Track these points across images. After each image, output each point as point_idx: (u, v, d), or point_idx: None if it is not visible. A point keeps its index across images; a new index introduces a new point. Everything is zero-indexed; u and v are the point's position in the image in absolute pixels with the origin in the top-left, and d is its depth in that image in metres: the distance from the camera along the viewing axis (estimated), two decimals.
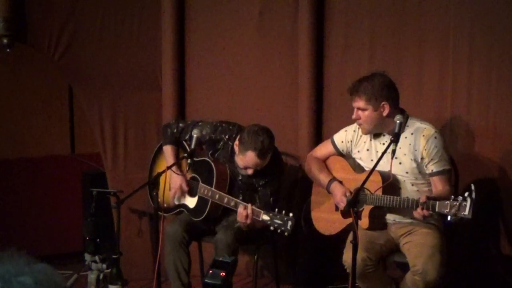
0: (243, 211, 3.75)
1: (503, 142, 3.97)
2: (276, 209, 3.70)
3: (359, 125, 3.71)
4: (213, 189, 3.96)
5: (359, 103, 3.61)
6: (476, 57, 4.03)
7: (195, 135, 3.94)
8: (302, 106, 4.57)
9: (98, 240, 3.88)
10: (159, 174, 3.83)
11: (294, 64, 4.58)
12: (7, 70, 5.38)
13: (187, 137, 4.18)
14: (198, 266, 4.46)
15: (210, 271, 2.75)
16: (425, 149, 3.57)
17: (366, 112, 3.61)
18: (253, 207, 3.75)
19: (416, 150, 3.59)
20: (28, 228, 5.26)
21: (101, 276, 3.83)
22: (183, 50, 4.83)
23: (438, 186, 3.60)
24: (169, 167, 3.84)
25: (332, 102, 4.58)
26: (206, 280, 2.74)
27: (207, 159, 4.08)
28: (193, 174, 4.12)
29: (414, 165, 3.60)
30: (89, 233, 3.94)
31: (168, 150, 4.23)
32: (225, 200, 3.89)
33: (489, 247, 4.07)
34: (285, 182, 4.48)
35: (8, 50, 4.60)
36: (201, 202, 4.04)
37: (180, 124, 4.24)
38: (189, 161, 3.81)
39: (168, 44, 4.78)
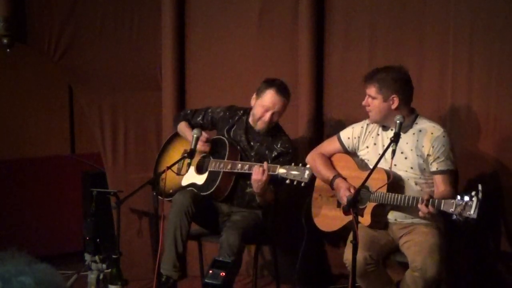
0: (259, 168, 3.77)
1: (503, 140, 3.97)
2: (293, 164, 3.74)
3: (368, 112, 3.71)
4: (225, 160, 3.97)
5: (371, 90, 3.65)
6: (476, 55, 4.03)
7: (195, 135, 3.94)
8: (302, 106, 4.57)
9: (98, 240, 3.88)
10: (159, 174, 3.84)
11: (294, 64, 4.58)
12: (7, 70, 5.38)
13: (199, 118, 4.23)
14: (198, 266, 4.45)
15: (210, 271, 2.75)
16: (432, 146, 3.58)
17: (376, 101, 3.64)
18: (269, 163, 3.79)
19: (423, 146, 3.60)
20: (28, 228, 5.26)
21: (101, 276, 3.83)
22: (183, 50, 4.84)
23: (441, 186, 3.59)
24: (169, 167, 3.83)
25: (332, 102, 4.58)
26: (206, 280, 2.74)
27: (220, 136, 4.11)
28: (203, 154, 4.12)
29: (419, 161, 3.61)
30: (89, 233, 3.94)
31: (182, 126, 4.25)
32: (238, 166, 3.91)
33: (490, 245, 4.08)
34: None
35: (8, 50, 4.60)
36: (212, 176, 4.03)
37: (193, 109, 4.32)
38: (189, 160, 3.81)
39: (168, 44, 4.78)
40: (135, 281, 4.46)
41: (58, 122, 5.70)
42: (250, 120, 4.10)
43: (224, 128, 4.15)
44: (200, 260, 4.44)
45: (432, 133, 3.60)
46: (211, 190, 3.98)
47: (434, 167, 3.60)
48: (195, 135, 3.94)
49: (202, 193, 4.01)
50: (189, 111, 4.32)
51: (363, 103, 3.70)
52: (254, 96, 4.06)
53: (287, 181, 3.71)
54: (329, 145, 3.97)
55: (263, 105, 3.98)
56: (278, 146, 4.05)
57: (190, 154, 3.85)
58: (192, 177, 4.11)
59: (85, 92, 4.85)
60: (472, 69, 4.05)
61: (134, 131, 4.89)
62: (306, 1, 4.47)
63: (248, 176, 3.88)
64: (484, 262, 4.09)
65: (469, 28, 4.03)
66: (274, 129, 4.09)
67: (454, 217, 3.28)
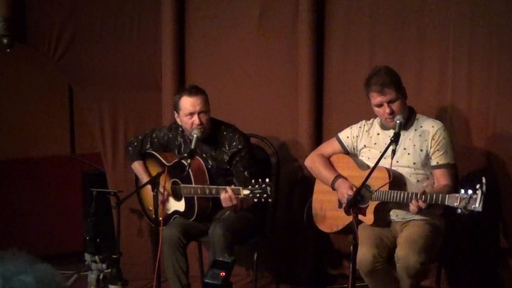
0: (225, 195, 3.76)
1: (503, 140, 3.98)
2: (253, 181, 3.70)
3: (392, 119, 3.61)
4: (193, 185, 3.96)
5: (391, 94, 3.60)
6: (476, 55, 4.03)
7: (195, 135, 3.93)
8: (302, 106, 4.57)
9: (98, 240, 3.88)
10: (159, 174, 3.83)
11: (294, 64, 4.58)
12: (7, 70, 5.38)
13: (148, 146, 4.22)
14: (198, 266, 4.45)
15: (210, 271, 2.75)
16: (433, 139, 3.61)
17: (397, 102, 3.61)
18: (232, 187, 3.77)
19: (426, 140, 3.62)
20: (28, 228, 5.26)
21: (101, 276, 3.83)
22: (183, 50, 4.83)
23: (441, 180, 3.61)
24: (169, 167, 3.83)
25: (332, 102, 4.58)
26: (206, 280, 2.74)
27: (180, 160, 4.01)
28: (173, 179, 4.09)
29: (421, 156, 3.62)
30: (89, 233, 3.94)
31: (136, 167, 4.23)
32: (207, 191, 3.89)
33: (490, 245, 4.07)
34: (285, 182, 4.49)
35: (8, 50, 4.60)
36: (189, 202, 4.04)
37: (139, 137, 4.29)
38: (189, 160, 3.81)
39: (168, 44, 4.78)
40: (135, 281, 4.46)
41: (58, 122, 5.69)
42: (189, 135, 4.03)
43: (175, 150, 4.12)
44: (200, 260, 4.44)
45: (432, 127, 3.64)
46: (195, 215, 4.01)
47: (434, 161, 3.62)
48: (195, 135, 3.93)
49: (188, 220, 4.04)
50: (135, 143, 4.26)
51: (386, 113, 3.60)
52: (175, 115, 4.03)
53: (255, 200, 3.69)
54: (329, 147, 3.97)
55: (186, 113, 3.94)
56: (227, 147, 4.01)
57: (190, 154, 3.85)
58: (174, 204, 4.12)
59: (85, 92, 4.85)
60: (472, 69, 4.05)
61: (134, 131, 4.89)
62: (306, 1, 4.47)
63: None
64: (484, 262, 4.09)
65: (469, 28, 4.03)
66: (215, 131, 4.04)
67: (459, 211, 3.28)
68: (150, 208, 3.96)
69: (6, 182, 5.30)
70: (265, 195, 3.67)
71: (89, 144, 5.48)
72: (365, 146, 3.79)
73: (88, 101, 4.85)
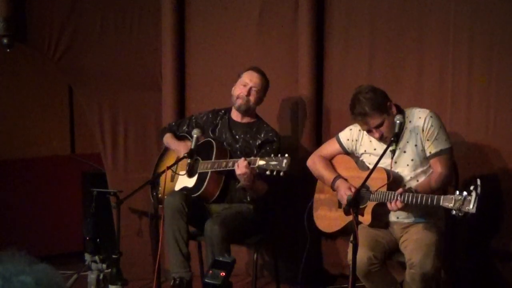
0: (241, 162, 3.82)
1: (503, 140, 3.98)
2: (272, 155, 3.78)
3: (384, 138, 3.61)
4: (213, 160, 4.01)
5: (376, 120, 3.54)
6: (476, 55, 4.03)
7: (195, 135, 3.94)
8: (302, 106, 4.57)
9: (98, 240, 3.88)
10: (159, 174, 3.84)
11: (294, 64, 4.58)
12: (7, 70, 5.38)
13: (184, 127, 4.31)
14: (198, 266, 4.45)
15: (210, 271, 2.75)
16: (423, 130, 3.58)
17: (385, 123, 3.57)
18: (250, 158, 3.85)
19: (417, 134, 3.60)
20: (28, 228, 5.26)
21: (101, 276, 3.82)
22: (183, 50, 4.84)
23: (435, 168, 3.60)
24: (169, 167, 3.83)
25: (332, 102, 4.58)
26: (206, 280, 2.74)
27: (207, 138, 4.17)
28: (196, 157, 4.14)
29: (417, 150, 3.60)
30: (89, 233, 3.93)
31: (168, 137, 4.34)
32: (223, 164, 3.96)
33: (490, 245, 4.07)
34: (285, 182, 4.49)
35: (8, 50, 4.60)
36: (201, 177, 4.06)
37: (177, 121, 4.45)
38: (189, 160, 3.81)
39: (168, 44, 4.78)
40: (135, 281, 4.45)
41: (58, 122, 5.69)
42: (232, 113, 4.24)
43: (209, 129, 4.24)
44: (200, 260, 4.44)
45: (420, 118, 3.61)
46: (201, 191, 4.02)
47: (427, 152, 3.60)
48: (195, 135, 3.94)
49: (192, 195, 4.03)
50: (173, 124, 4.44)
51: (375, 137, 3.61)
52: (234, 85, 4.22)
53: (267, 172, 3.74)
54: (329, 147, 3.97)
55: (241, 82, 4.16)
56: (262, 135, 4.15)
57: (190, 154, 3.85)
58: (184, 181, 4.14)
59: (85, 92, 4.85)
60: (472, 69, 4.05)
61: (134, 131, 4.89)
62: (306, 1, 4.47)
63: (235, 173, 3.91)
64: (484, 262, 4.09)
65: (469, 28, 4.03)
66: (257, 122, 4.23)
67: (454, 212, 3.28)
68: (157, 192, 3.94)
69: (6, 182, 5.30)
70: (278, 167, 3.70)
71: (89, 144, 5.49)
72: (365, 151, 3.78)
73: (88, 101, 4.85)
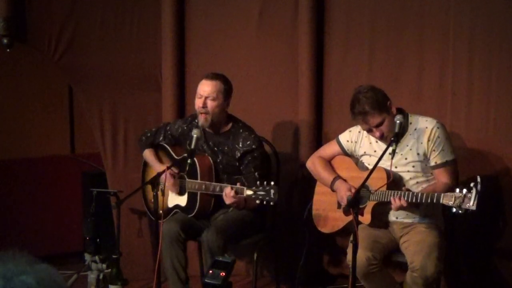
0: (228, 191, 3.78)
1: (503, 140, 3.98)
2: (258, 182, 3.72)
3: (385, 137, 3.62)
4: (199, 181, 3.97)
5: (376, 119, 3.55)
6: (476, 55, 4.04)
7: (195, 135, 3.93)
8: (302, 106, 4.57)
9: (98, 240, 3.89)
10: (159, 175, 3.83)
11: (294, 64, 4.58)
12: (7, 70, 5.37)
13: (161, 139, 4.23)
14: (198, 266, 4.45)
15: (210, 271, 2.75)
16: (429, 140, 3.58)
17: (385, 122, 3.57)
18: (237, 185, 3.79)
19: (421, 143, 3.60)
20: (28, 228, 5.26)
21: (101, 276, 3.83)
22: (183, 50, 4.84)
23: (440, 179, 3.60)
24: (169, 167, 3.84)
25: (332, 102, 4.58)
26: (206, 280, 2.74)
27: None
28: (180, 173, 4.11)
29: (419, 158, 3.60)
30: (89, 233, 3.94)
31: (146, 154, 4.27)
32: (211, 187, 3.91)
33: (490, 245, 4.07)
34: (285, 182, 4.49)
35: (8, 50, 4.60)
36: (192, 197, 4.04)
37: (153, 129, 4.32)
38: (189, 160, 3.81)
39: (168, 44, 4.78)
40: (135, 281, 4.46)
41: (58, 122, 5.69)
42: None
43: (187, 142, 4.08)
44: (200, 260, 4.43)
45: (426, 127, 3.61)
46: (196, 211, 4.01)
47: (432, 162, 3.61)
48: (195, 135, 3.93)
49: (188, 215, 4.04)
50: (149, 134, 4.30)
51: (376, 137, 3.62)
52: None
53: (257, 201, 3.70)
54: (329, 148, 3.98)
55: (197, 95, 4.02)
56: (240, 145, 4.01)
57: (190, 154, 3.85)
58: (175, 198, 4.12)
59: (85, 92, 4.85)
60: (472, 69, 4.05)
61: (134, 131, 4.89)
62: (306, 1, 4.47)
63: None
64: (484, 262, 4.09)
65: (469, 28, 4.04)
66: (232, 128, 4.06)
67: (454, 210, 3.28)
68: (152, 200, 3.92)
69: (6, 182, 5.30)
70: (267, 198, 3.67)
71: (89, 144, 5.48)
72: (365, 153, 3.79)
73: (88, 101, 4.85)
